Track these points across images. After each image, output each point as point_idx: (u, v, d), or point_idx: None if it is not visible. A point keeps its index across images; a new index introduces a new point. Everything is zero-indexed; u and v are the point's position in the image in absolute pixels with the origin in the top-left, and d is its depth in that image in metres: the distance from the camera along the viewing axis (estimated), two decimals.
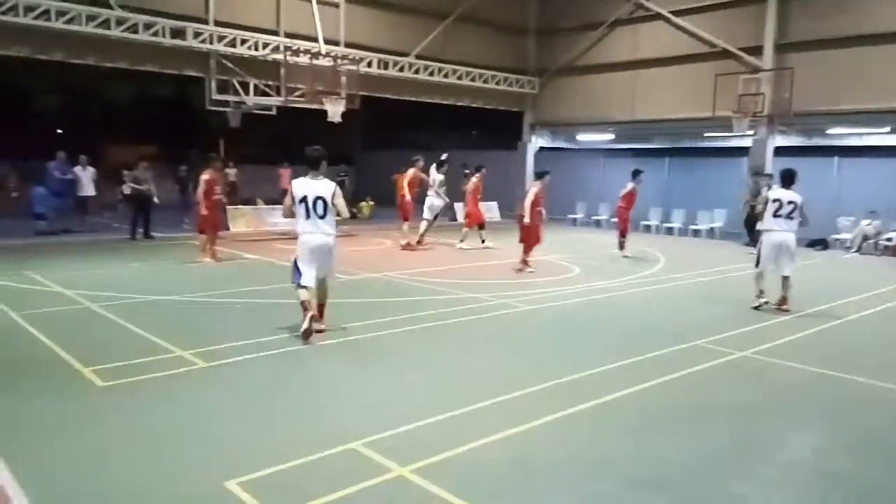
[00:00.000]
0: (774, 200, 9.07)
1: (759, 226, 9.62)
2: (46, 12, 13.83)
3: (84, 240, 15.26)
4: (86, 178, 16.87)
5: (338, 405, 5.28)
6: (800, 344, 7.59)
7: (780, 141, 18.57)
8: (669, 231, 20.55)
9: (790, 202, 9.02)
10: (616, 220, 15.62)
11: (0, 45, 14.33)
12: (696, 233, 20.04)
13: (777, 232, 9.07)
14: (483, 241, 15.32)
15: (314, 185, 7.10)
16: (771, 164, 18.20)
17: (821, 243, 17.22)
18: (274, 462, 4.16)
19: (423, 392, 5.67)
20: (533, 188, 12.26)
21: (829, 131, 17.90)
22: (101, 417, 4.94)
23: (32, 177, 17.60)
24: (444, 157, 16.36)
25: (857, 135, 17.79)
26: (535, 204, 11.95)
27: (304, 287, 7.10)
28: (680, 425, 5.07)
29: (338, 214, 7.17)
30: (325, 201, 7.02)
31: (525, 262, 12.21)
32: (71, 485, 3.94)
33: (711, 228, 19.87)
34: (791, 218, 9.03)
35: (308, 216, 7.05)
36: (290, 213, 7.19)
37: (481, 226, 15.57)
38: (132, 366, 6.03)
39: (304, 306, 7.03)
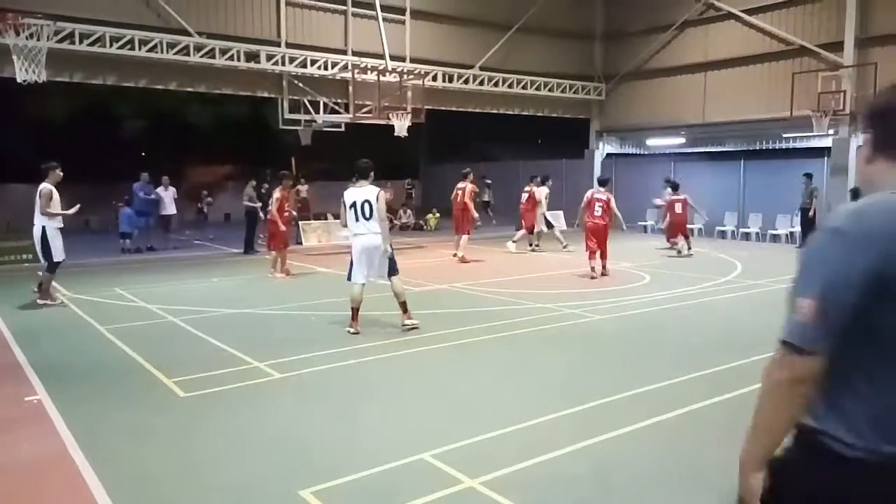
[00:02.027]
0: None
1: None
2: (130, 42, 14.64)
3: (168, 257, 15.99)
4: (167, 198, 17.67)
5: (408, 415, 5.33)
6: None
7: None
8: (746, 236, 19.82)
9: None
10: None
11: (89, 74, 15.26)
12: (776, 238, 19.24)
13: None
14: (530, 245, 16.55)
15: (361, 192, 7.93)
16: (853, 164, 17.34)
17: None
18: (346, 472, 4.22)
19: (496, 402, 5.65)
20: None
21: None
22: (182, 427, 5.14)
23: (119, 198, 18.57)
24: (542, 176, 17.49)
25: None
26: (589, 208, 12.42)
27: (356, 283, 7.94)
28: None
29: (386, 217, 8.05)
30: (370, 204, 7.82)
31: (593, 269, 12.25)
32: (151, 491, 4.12)
33: (791, 233, 19.02)
34: None
35: (357, 219, 7.86)
36: (345, 222, 8.05)
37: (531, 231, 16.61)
38: (212, 377, 6.27)
39: (353, 304, 7.95)
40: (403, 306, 8.14)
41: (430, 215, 24.34)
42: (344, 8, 18.14)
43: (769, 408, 1.73)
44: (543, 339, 7.86)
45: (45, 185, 9.67)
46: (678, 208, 15.77)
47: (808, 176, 16.98)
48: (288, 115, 17.97)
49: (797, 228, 18.92)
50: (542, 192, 16.78)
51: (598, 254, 12.14)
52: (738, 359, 6.79)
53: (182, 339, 7.93)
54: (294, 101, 17.95)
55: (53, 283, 10.11)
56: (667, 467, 4.38)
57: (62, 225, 9.83)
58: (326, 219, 19.61)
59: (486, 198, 24.06)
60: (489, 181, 16.97)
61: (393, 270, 8.09)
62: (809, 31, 18.01)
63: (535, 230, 16.64)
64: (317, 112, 18.12)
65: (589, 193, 12.57)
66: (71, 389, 6.03)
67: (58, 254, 9.67)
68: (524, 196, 16.65)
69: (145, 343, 7.60)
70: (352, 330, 7.94)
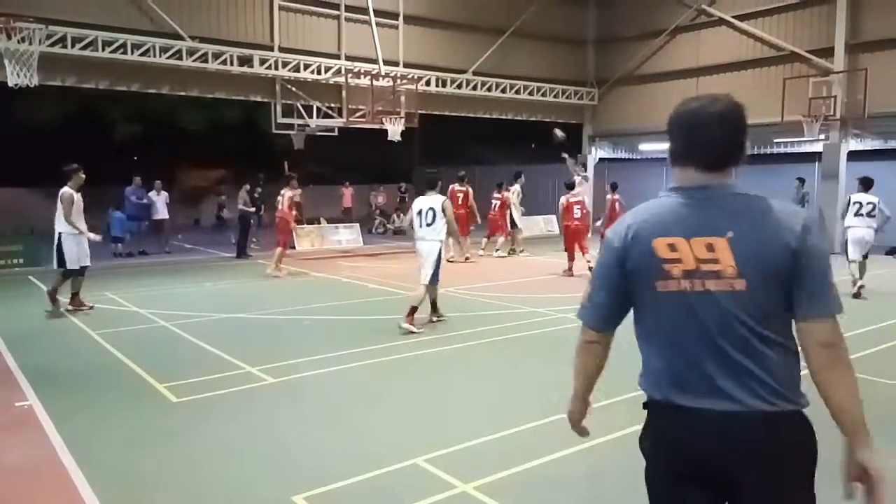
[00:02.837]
0: (855, 202, 10.79)
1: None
2: (123, 46, 14.59)
3: (160, 261, 15.93)
4: (160, 202, 17.62)
5: (401, 420, 5.32)
6: (880, 356, 7.21)
7: (854, 145, 17.79)
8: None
9: (869, 203, 10.70)
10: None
11: (82, 78, 15.19)
12: None
13: (857, 228, 10.75)
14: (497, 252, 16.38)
15: (428, 200, 8.61)
16: (844, 169, 17.46)
17: None
18: (339, 477, 4.21)
19: (489, 407, 5.65)
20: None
21: None
22: (174, 432, 5.12)
23: (110, 202, 18.50)
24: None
25: None
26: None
27: (421, 284, 8.48)
28: None
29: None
30: (434, 211, 8.44)
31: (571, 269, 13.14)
32: (142, 497, 4.10)
33: None
34: (871, 216, 10.69)
35: (421, 225, 8.50)
36: (411, 226, 8.70)
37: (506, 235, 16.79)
38: (204, 382, 6.24)
39: (414, 302, 8.42)
40: (412, 310, 8.33)
41: None
42: (337, 13, 18.14)
43: (577, 359, 2.41)
44: (537, 343, 7.87)
45: (66, 190, 9.24)
46: (617, 207, 16.05)
47: (801, 180, 17.11)
48: (281, 120, 17.95)
49: None
50: (513, 191, 16.86)
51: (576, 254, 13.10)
52: None
53: (174, 344, 7.90)
54: (287, 105, 17.94)
55: (59, 297, 9.77)
56: None
57: (83, 229, 9.42)
58: (320, 223, 19.59)
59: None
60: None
61: (434, 278, 8.51)
62: (800, 36, 18.15)
63: (507, 232, 16.69)
64: (310, 116, 18.11)
65: (564, 199, 13.42)
66: (62, 395, 5.99)
67: (72, 261, 9.28)
68: (496, 203, 16.68)
69: (137, 348, 7.56)
70: (409, 328, 8.22)
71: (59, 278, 9.50)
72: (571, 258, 13.18)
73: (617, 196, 16.22)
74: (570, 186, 13.76)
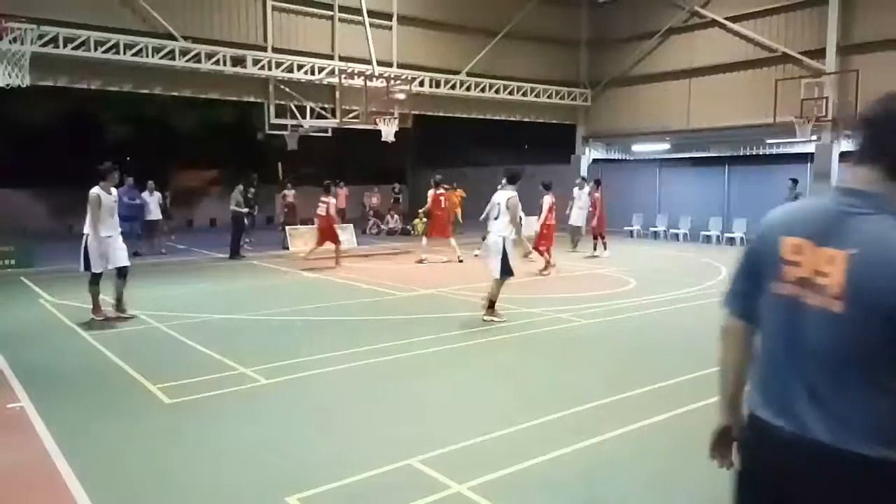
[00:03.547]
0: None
1: None
2: (115, 46, 14.55)
3: (154, 262, 15.86)
4: (153, 203, 17.54)
5: (396, 421, 5.32)
6: None
7: (846, 146, 17.88)
8: (731, 241, 19.99)
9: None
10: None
11: (74, 78, 15.14)
12: None
13: None
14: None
15: (499, 195, 8.87)
16: (837, 170, 17.56)
17: None
18: (332, 478, 4.21)
19: (483, 407, 5.65)
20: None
21: None
22: (167, 434, 5.10)
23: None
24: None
25: None
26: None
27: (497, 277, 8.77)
28: None
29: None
30: (499, 207, 8.67)
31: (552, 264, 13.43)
32: (135, 498, 4.08)
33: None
34: None
35: (489, 219, 8.89)
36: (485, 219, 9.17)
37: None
38: (197, 383, 6.23)
39: (490, 296, 8.77)
40: (490, 303, 8.76)
41: (417, 220, 24.30)
42: (331, 13, 18.14)
43: (718, 353, 2.21)
44: (529, 344, 7.89)
45: (93, 191, 8.72)
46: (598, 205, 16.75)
47: (794, 181, 17.15)
48: (274, 120, 17.93)
49: None
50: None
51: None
52: None
53: (167, 345, 7.87)
54: (280, 105, 17.92)
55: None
56: (653, 471, 4.40)
57: (110, 234, 8.88)
58: (314, 224, 19.56)
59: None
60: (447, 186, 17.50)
61: (504, 271, 8.69)
62: (792, 38, 18.24)
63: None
64: (303, 117, 18.10)
65: (549, 200, 13.69)
66: (54, 396, 5.96)
67: (96, 264, 8.76)
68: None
69: (130, 349, 7.54)
70: (486, 317, 8.76)
71: (92, 286, 9.00)
72: (550, 254, 13.56)
73: (598, 194, 16.50)
74: (548, 186, 13.84)
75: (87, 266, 8.79)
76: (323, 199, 15.16)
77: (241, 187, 16.98)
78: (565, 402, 5.59)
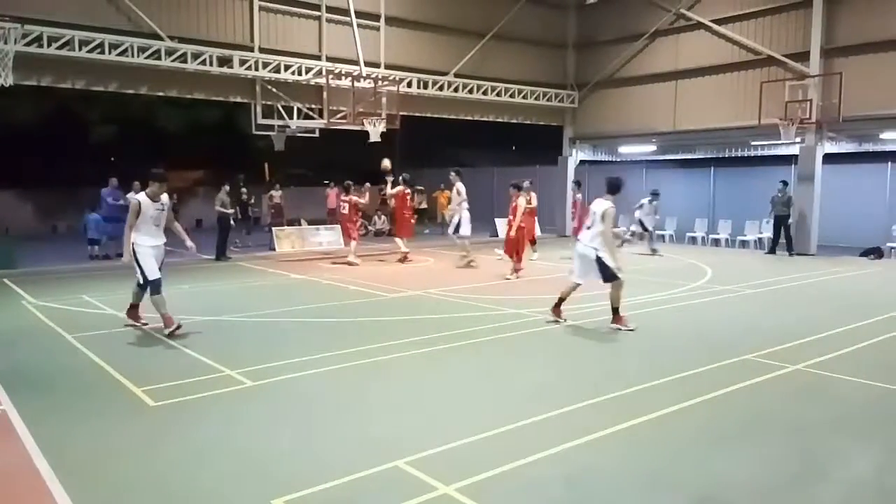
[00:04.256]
0: None
1: None
2: (100, 45, 14.42)
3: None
4: None
5: (382, 422, 5.31)
6: (853, 356, 7.33)
7: (830, 148, 18.08)
8: (716, 242, 20.13)
9: None
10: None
11: (58, 78, 14.98)
12: (744, 244, 19.58)
13: None
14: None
15: (596, 204, 8.64)
16: (820, 172, 17.74)
17: (875, 252, 16.66)
18: (319, 480, 4.19)
19: (470, 408, 5.65)
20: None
21: (883, 136, 17.36)
22: (152, 437, 5.06)
23: (86, 203, 18.28)
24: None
25: None
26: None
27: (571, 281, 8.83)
28: (735, 441, 4.93)
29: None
30: (595, 216, 8.53)
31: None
32: (119, 502, 4.04)
33: (760, 239, 19.39)
34: None
35: (586, 227, 8.79)
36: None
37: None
38: (182, 385, 6.18)
39: (613, 300, 8.59)
40: (614, 311, 8.56)
41: None
42: (318, 13, 18.08)
43: None
44: (516, 345, 7.90)
45: (134, 197, 8.37)
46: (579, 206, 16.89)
47: (785, 183, 17.22)
48: (261, 121, 17.85)
49: (766, 234, 19.30)
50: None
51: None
52: (708, 363, 6.89)
53: (152, 348, 7.81)
54: (267, 106, 17.84)
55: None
56: (639, 470, 4.42)
57: (157, 242, 8.37)
58: (300, 224, 19.50)
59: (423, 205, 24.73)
60: (420, 187, 17.59)
61: (607, 277, 8.44)
62: (777, 41, 18.41)
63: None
64: (290, 117, 18.03)
65: (524, 201, 13.40)
66: (36, 399, 5.89)
67: (150, 272, 8.23)
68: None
69: (114, 351, 7.47)
70: (550, 318, 8.78)
71: (136, 289, 8.54)
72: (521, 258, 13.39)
73: (579, 195, 16.65)
74: (519, 187, 13.63)
75: (143, 274, 8.23)
76: (343, 198, 15.63)
77: (226, 188, 16.92)
78: (552, 403, 5.60)
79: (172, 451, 4.78)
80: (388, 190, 16.43)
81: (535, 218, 17.13)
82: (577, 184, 17.29)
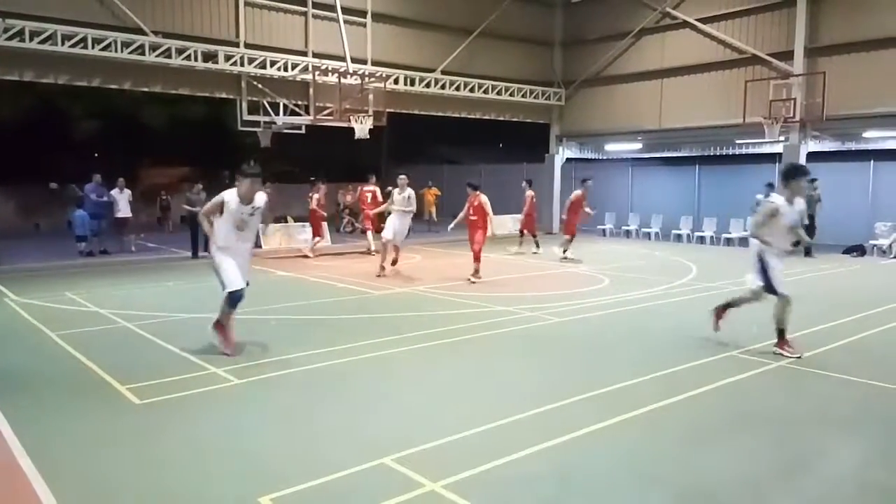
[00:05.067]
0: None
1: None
2: (83, 40, 14.28)
3: (123, 260, 15.62)
4: (122, 201, 17.25)
5: (369, 420, 5.31)
6: (838, 353, 7.41)
7: (813, 146, 18.26)
8: (701, 240, 20.28)
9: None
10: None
11: (40, 73, 14.83)
12: (729, 241, 19.74)
13: None
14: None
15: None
16: None
17: (858, 249, 16.85)
18: (306, 478, 4.18)
19: (457, 405, 5.66)
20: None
21: (866, 135, 17.56)
22: (137, 435, 5.02)
23: (69, 200, 18.10)
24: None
25: (894, 138, 17.42)
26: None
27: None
28: (721, 437, 4.98)
29: None
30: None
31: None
32: (106, 502, 4.02)
33: (744, 236, 19.56)
34: None
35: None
36: None
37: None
38: (168, 383, 6.14)
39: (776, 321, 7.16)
40: (780, 333, 7.09)
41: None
42: (304, 9, 18.00)
43: None
44: (504, 342, 7.91)
45: (223, 193, 7.02)
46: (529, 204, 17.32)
47: (811, 181, 16.37)
48: (247, 117, 17.77)
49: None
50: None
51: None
52: (693, 360, 6.94)
53: (136, 345, 7.75)
54: (253, 102, 17.76)
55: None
56: (626, 466, 4.45)
57: (226, 244, 7.04)
58: (286, 221, 19.41)
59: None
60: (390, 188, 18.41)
61: (769, 289, 7.07)
62: (761, 40, 18.56)
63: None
64: (276, 114, 17.95)
65: (484, 202, 12.72)
66: (20, 398, 5.84)
67: (230, 282, 6.96)
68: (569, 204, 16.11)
69: (98, 349, 7.40)
70: (781, 352, 7.05)
71: (225, 307, 7.18)
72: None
73: (531, 192, 16.93)
74: (476, 187, 13.16)
75: (221, 285, 7.06)
76: (366, 188, 17.08)
77: (199, 185, 16.75)
78: (539, 400, 5.62)
79: (158, 449, 4.75)
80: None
81: (535, 215, 17.69)
82: (529, 182, 17.43)
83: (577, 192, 15.68)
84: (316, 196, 17.01)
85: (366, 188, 17.32)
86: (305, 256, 16.24)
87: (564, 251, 15.44)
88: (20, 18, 13.44)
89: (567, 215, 15.92)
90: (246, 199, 6.96)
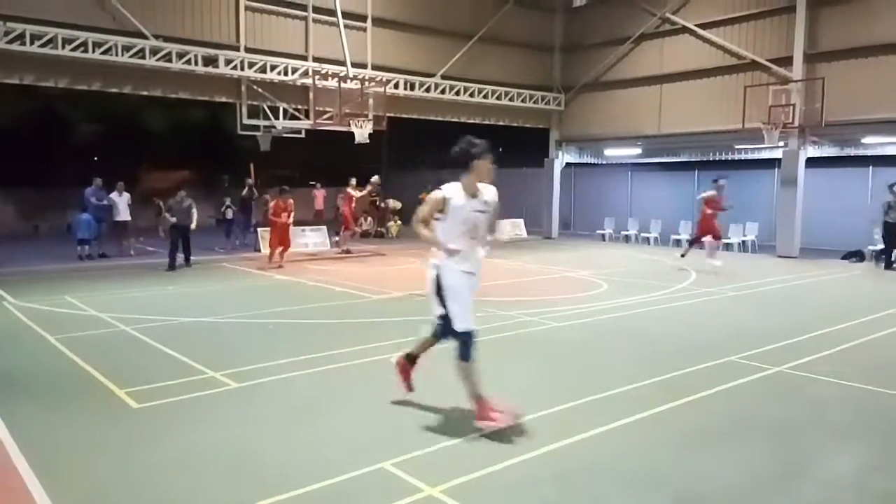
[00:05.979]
0: None
1: None
2: (84, 44, 14.29)
3: (122, 264, 15.61)
4: (122, 204, 17.24)
5: (368, 424, 5.30)
6: (836, 358, 7.41)
7: (812, 152, 18.28)
8: (701, 245, 20.25)
9: None
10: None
11: (41, 76, 14.84)
12: (728, 246, 19.72)
13: None
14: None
15: None
16: (803, 175, 17.93)
17: (857, 255, 16.85)
18: (304, 482, 4.18)
19: (456, 410, 5.65)
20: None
21: (865, 140, 17.58)
22: (135, 439, 5.01)
23: (75, 204, 18.07)
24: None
25: (893, 144, 17.44)
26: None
27: None
28: (719, 442, 4.98)
29: None
30: None
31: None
32: None
33: (743, 241, 19.57)
34: None
35: None
36: None
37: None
38: (166, 388, 6.13)
39: None
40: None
41: (391, 223, 24.33)
42: (304, 14, 18.04)
43: None
44: (503, 347, 7.90)
45: (440, 189, 5.35)
46: None
47: (715, 181, 15.69)
48: (247, 121, 17.77)
49: (750, 237, 19.49)
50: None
51: None
52: (692, 364, 6.94)
53: (135, 349, 7.74)
54: (253, 106, 17.76)
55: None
56: (625, 471, 4.44)
57: (473, 264, 5.54)
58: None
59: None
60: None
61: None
62: (760, 46, 18.60)
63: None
64: (276, 118, 17.96)
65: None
66: (17, 401, 5.83)
67: (461, 318, 5.29)
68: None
69: (96, 353, 7.40)
70: None
71: (462, 360, 5.25)
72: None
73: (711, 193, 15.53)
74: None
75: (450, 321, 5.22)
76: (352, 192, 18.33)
77: (183, 193, 15.88)
78: (538, 405, 5.62)
79: (155, 453, 4.74)
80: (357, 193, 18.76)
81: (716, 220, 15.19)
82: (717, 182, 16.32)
83: (710, 192, 14.90)
84: (340, 196, 19.13)
85: (351, 192, 18.69)
86: (347, 251, 17.98)
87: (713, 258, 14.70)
88: (21, 22, 13.46)
89: (702, 216, 14.97)
90: (474, 192, 5.21)
